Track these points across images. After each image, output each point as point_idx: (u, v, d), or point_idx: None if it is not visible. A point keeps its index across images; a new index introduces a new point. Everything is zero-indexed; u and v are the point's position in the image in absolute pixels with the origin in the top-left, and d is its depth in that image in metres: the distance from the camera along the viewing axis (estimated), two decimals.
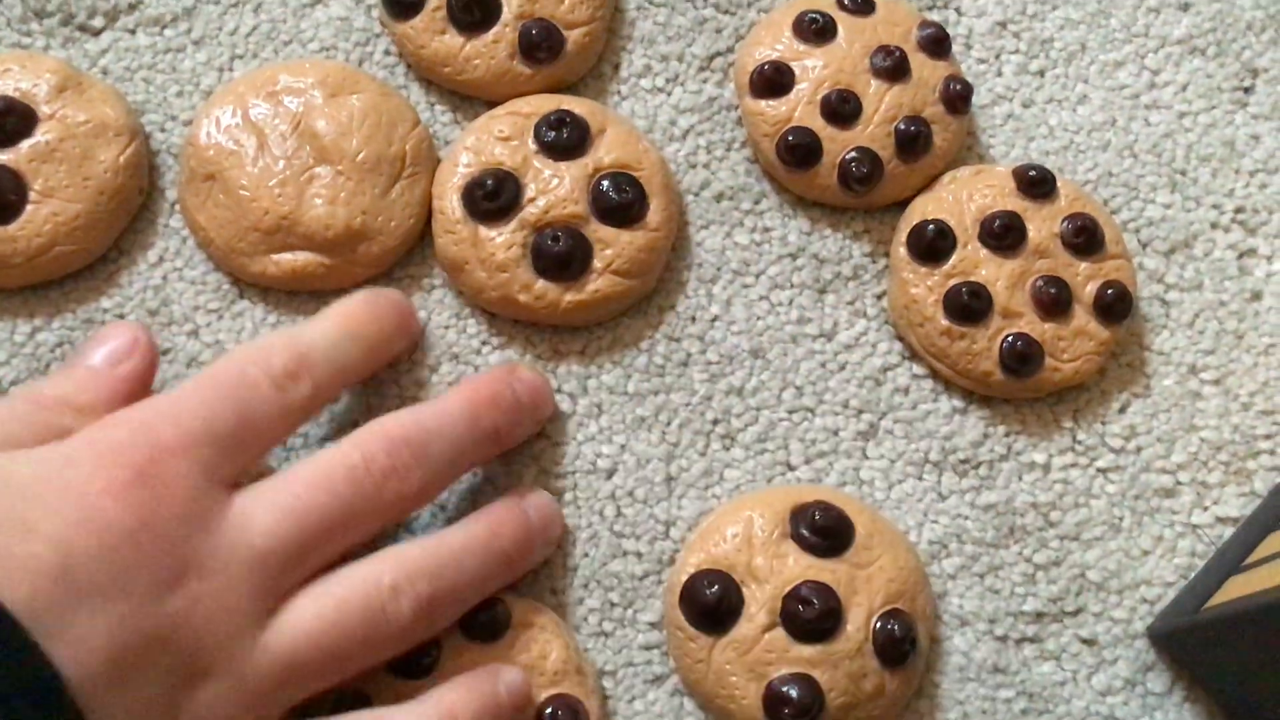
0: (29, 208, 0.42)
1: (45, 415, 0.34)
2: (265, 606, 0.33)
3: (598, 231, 0.42)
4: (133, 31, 0.46)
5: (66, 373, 0.37)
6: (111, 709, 0.29)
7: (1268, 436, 0.44)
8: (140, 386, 0.37)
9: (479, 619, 0.38)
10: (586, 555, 0.41)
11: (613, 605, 0.41)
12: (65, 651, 0.29)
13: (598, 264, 0.42)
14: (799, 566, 0.39)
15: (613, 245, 0.42)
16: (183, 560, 0.31)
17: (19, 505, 0.31)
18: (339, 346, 0.37)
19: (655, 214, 0.43)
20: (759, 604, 0.39)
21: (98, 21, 0.46)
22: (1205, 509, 0.43)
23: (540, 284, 0.42)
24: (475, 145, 0.43)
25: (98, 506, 0.31)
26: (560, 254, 0.41)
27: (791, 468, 0.43)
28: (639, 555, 0.42)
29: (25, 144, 0.42)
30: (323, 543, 0.34)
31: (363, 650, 0.34)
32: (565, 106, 0.43)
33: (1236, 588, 0.39)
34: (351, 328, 0.38)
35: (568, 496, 0.42)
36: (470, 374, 0.43)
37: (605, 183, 0.42)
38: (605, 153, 0.43)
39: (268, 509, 0.34)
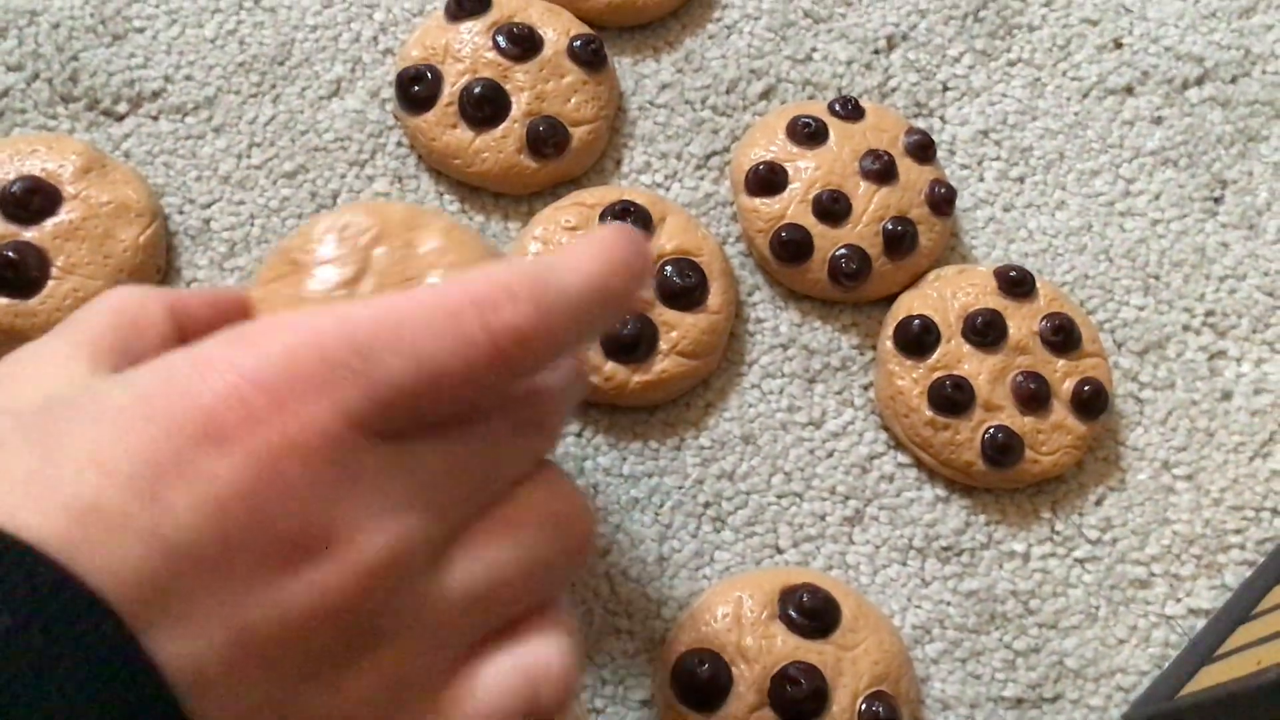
0: (51, 283, 0.43)
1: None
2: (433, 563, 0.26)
3: (663, 315, 0.44)
4: (155, 118, 0.48)
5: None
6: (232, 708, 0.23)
7: (1238, 531, 0.46)
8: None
9: None
10: (580, 632, 0.43)
11: (605, 682, 0.42)
12: (173, 648, 0.22)
13: (664, 346, 0.44)
14: (787, 647, 0.40)
15: (677, 328, 0.44)
16: (322, 528, 0.24)
17: (109, 447, 0.22)
18: (587, 305, 0.27)
19: (715, 297, 0.45)
20: (748, 683, 0.40)
21: (122, 107, 0.48)
22: (1178, 600, 0.45)
23: (610, 366, 0.44)
24: (543, 235, 0.45)
25: (200, 463, 0.22)
26: (629, 337, 0.43)
27: (780, 551, 0.44)
28: (631, 634, 0.43)
29: (50, 222, 0.44)
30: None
31: None
32: (627, 198, 0.46)
33: (1209, 677, 0.41)
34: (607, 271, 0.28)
35: None
36: None
37: (669, 268, 0.45)
38: (667, 240, 0.45)
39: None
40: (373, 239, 0.28)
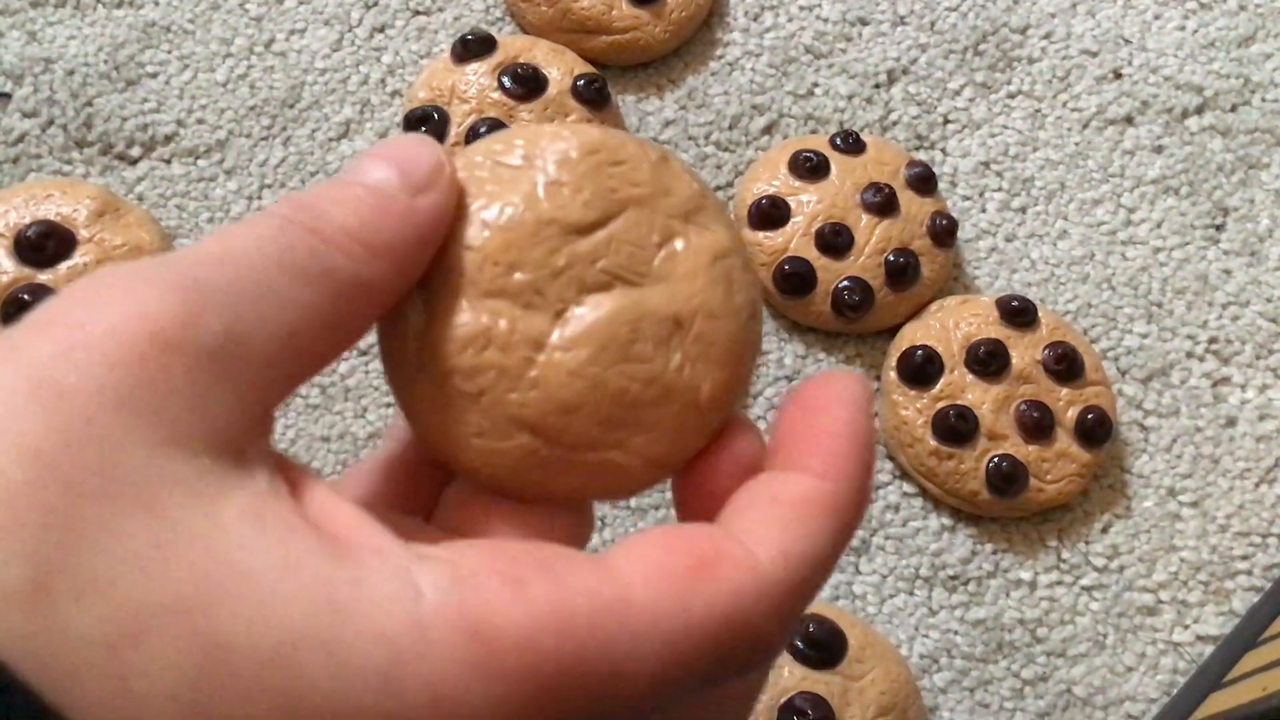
0: None
1: (325, 255, 0.20)
2: None
3: None
4: (168, 161, 0.49)
5: (342, 192, 0.21)
6: None
7: (1244, 557, 0.46)
8: (440, 231, 0.22)
9: None
10: None
11: None
12: None
13: None
14: (794, 677, 0.40)
15: None
16: None
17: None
18: None
19: None
20: (755, 714, 0.40)
21: (135, 151, 0.49)
22: (1186, 627, 0.45)
23: None
24: None
25: None
26: None
27: None
28: None
29: (64, 265, 0.45)
30: None
31: None
32: None
33: (1217, 703, 0.41)
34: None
35: None
36: None
37: None
38: None
39: None
40: (632, 199, 0.21)
